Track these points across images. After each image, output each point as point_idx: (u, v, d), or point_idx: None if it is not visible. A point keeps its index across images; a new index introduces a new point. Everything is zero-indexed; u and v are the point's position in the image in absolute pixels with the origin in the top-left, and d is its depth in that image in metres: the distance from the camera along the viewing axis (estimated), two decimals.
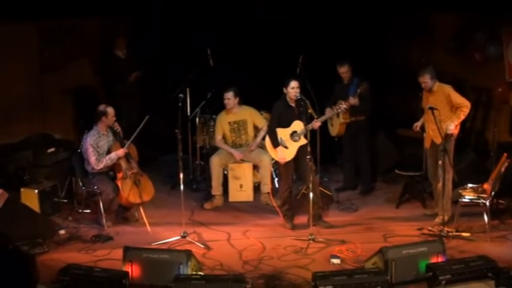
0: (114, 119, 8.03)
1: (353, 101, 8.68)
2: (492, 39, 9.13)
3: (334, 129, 9.19)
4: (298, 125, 7.80)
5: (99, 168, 7.84)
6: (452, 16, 9.82)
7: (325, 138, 9.23)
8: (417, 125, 8.08)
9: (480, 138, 9.75)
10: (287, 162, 7.91)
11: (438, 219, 7.79)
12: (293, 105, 7.85)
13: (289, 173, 8.03)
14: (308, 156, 7.47)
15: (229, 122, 9.06)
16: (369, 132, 9.24)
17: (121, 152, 7.84)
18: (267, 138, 8.10)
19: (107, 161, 7.84)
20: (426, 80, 7.71)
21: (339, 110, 8.12)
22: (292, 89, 7.73)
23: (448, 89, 7.74)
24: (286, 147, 7.87)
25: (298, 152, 7.82)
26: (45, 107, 9.74)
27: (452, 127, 7.63)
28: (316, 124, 7.74)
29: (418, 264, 6.24)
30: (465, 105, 7.66)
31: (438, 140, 7.63)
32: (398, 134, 9.92)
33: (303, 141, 7.76)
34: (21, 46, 9.22)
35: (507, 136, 9.11)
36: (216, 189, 8.89)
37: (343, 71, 8.96)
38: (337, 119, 9.02)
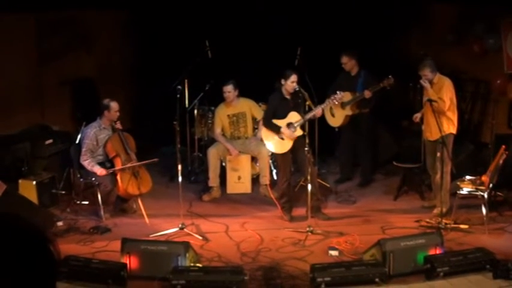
0: (118, 114, 7.98)
1: (369, 94, 8.66)
2: (491, 31, 9.12)
3: (338, 120, 9.11)
4: (294, 116, 7.79)
5: (82, 161, 7.86)
6: (452, 7, 9.81)
7: (324, 129, 9.22)
8: (417, 116, 8.04)
9: (478, 130, 9.75)
10: (285, 154, 7.91)
11: (436, 211, 7.81)
12: (288, 97, 7.85)
13: (287, 164, 8.02)
14: (306, 148, 7.47)
15: (228, 115, 9.05)
16: (370, 124, 9.23)
17: (102, 171, 7.78)
18: (263, 130, 8.09)
19: (91, 165, 7.82)
20: (426, 73, 7.68)
21: (335, 101, 8.07)
22: (292, 83, 7.71)
23: (446, 82, 7.71)
24: (282, 139, 7.87)
25: (296, 143, 7.82)
26: (43, 99, 9.74)
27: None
28: (319, 112, 7.74)
29: (416, 256, 6.24)
30: (445, 106, 7.62)
31: (436, 135, 7.61)
32: (397, 125, 9.92)
33: (299, 132, 7.76)
34: (20, 37, 9.20)
35: (505, 128, 9.12)
36: (213, 180, 8.88)
37: (343, 61, 8.94)
38: (342, 110, 8.96)
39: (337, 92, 7.90)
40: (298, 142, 7.78)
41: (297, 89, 7.70)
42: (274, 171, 9.22)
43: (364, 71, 8.93)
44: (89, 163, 7.83)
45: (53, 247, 1.91)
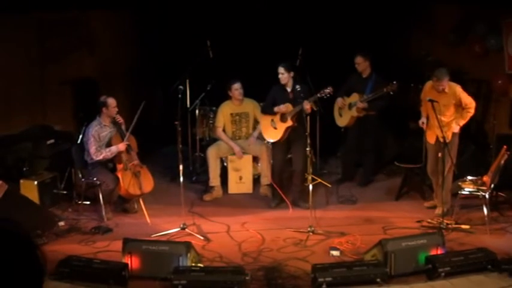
0: (116, 109, 7.99)
1: (362, 105, 8.68)
2: (492, 31, 9.11)
3: (344, 121, 9.13)
4: (288, 107, 8.14)
5: (98, 158, 7.81)
6: (453, 8, 9.80)
7: (325, 130, 9.21)
8: (423, 121, 7.98)
9: (480, 130, 9.74)
10: (277, 143, 8.33)
11: (438, 211, 7.80)
12: (288, 89, 8.14)
13: (279, 154, 8.42)
14: (308, 148, 7.48)
15: (231, 113, 9.04)
16: (377, 128, 9.19)
17: (122, 146, 7.80)
18: (262, 118, 8.56)
19: (106, 153, 7.82)
20: (444, 83, 7.59)
21: (323, 95, 8.08)
22: (281, 75, 8.16)
23: (459, 89, 7.66)
24: (275, 128, 8.25)
25: (291, 136, 8.20)
26: (45, 99, 9.73)
27: (457, 129, 7.66)
28: (307, 106, 7.76)
29: (418, 257, 6.24)
30: (472, 106, 7.65)
31: (436, 138, 7.59)
32: (401, 126, 9.90)
33: (290, 122, 8.09)
34: (22, 37, 9.19)
35: (507, 128, 9.11)
36: (214, 180, 8.86)
37: (357, 61, 8.93)
38: (348, 111, 8.97)
39: (327, 87, 7.99)
40: (293, 134, 8.14)
41: (299, 89, 7.88)
42: None
43: (376, 75, 8.89)
44: (105, 153, 7.81)
45: (40, 253, 1.90)
